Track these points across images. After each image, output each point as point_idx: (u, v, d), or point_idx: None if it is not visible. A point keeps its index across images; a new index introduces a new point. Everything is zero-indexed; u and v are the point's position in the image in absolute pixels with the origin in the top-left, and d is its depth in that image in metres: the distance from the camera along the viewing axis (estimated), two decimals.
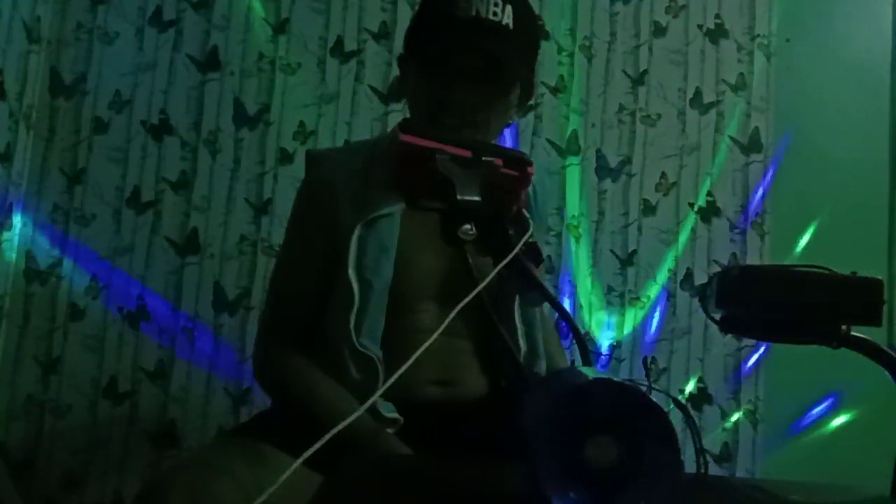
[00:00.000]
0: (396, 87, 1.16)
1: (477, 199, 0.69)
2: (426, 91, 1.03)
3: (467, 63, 1.00)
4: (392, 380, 0.54)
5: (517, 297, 1.10)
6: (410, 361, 0.54)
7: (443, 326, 0.60)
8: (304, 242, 1.10)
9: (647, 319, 2.09)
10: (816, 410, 2.08)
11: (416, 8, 1.11)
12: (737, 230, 2.15)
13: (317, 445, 0.48)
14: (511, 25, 1.00)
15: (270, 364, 1.08)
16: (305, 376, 1.03)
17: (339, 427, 0.50)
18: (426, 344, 0.58)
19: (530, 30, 1.06)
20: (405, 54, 1.11)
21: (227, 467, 0.87)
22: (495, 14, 0.98)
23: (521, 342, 1.11)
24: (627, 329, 2.07)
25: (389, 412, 0.99)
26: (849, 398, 2.05)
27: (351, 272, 1.01)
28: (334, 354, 1.03)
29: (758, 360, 2.09)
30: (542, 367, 1.13)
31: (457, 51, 1.00)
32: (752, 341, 2.05)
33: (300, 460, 0.48)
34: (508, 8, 1.00)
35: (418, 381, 1.04)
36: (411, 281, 1.05)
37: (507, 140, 2.05)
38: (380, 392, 0.58)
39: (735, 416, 2.07)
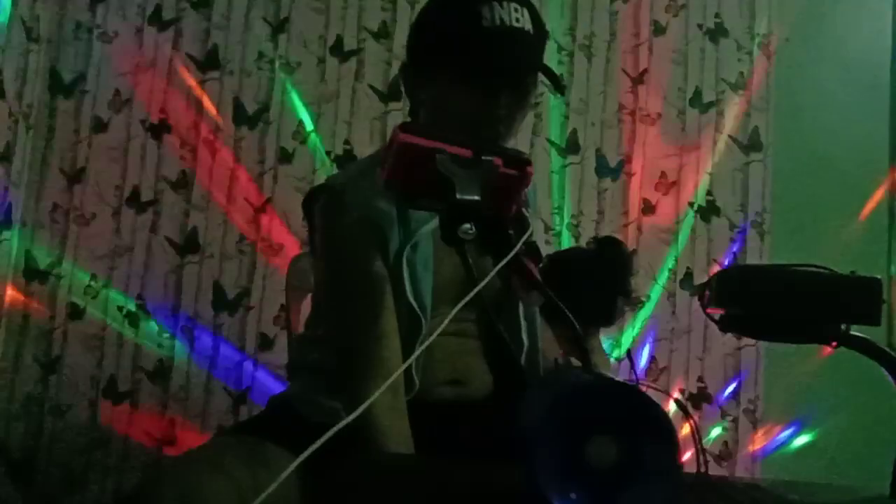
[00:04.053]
0: (408, 95, 1.10)
1: (477, 198, 0.69)
2: (464, 105, 0.98)
3: (503, 74, 0.97)
4: (390, 382, 0.54)
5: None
6: (407, 364, 0.54)
7: (440, 329, 0.61)
8: (369, 284, 1.01)
9: (646, 319, 2.08)
10: (815, 410, 2.08)
11: (421, 20, 1.04)
12: (737, 230, 2.15)
13: (317, 444, 0.48)
14: (531, 30, 0.99)
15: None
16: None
17: (338, 427, 0.50)
18: (425, 345, 0.59)
19: (543, 31, 1.05)
20: (415, 65, 1.04)
21: (222, 466, 0.86)
22: (517, 20, 0.96)
23: (524, 337, 1.12)
24: (627, 329, 2.07)
25: None
26: (848, 398, 2.05)
27: (411, 298, 0.99)
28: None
29: (758, 361, 2.08)
30: (542, 361, 1.13)
31: (491, 63, 0.96)
32: (752, 341, 2.05)
33: (299, 460, 0.48)
34: (526, 12, 0.99)
35: (432, 382, 1.04)
36: (436, 288, 1.04)
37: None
38: (376, 395, 0.58)
39: (735, 417, 2.07)
